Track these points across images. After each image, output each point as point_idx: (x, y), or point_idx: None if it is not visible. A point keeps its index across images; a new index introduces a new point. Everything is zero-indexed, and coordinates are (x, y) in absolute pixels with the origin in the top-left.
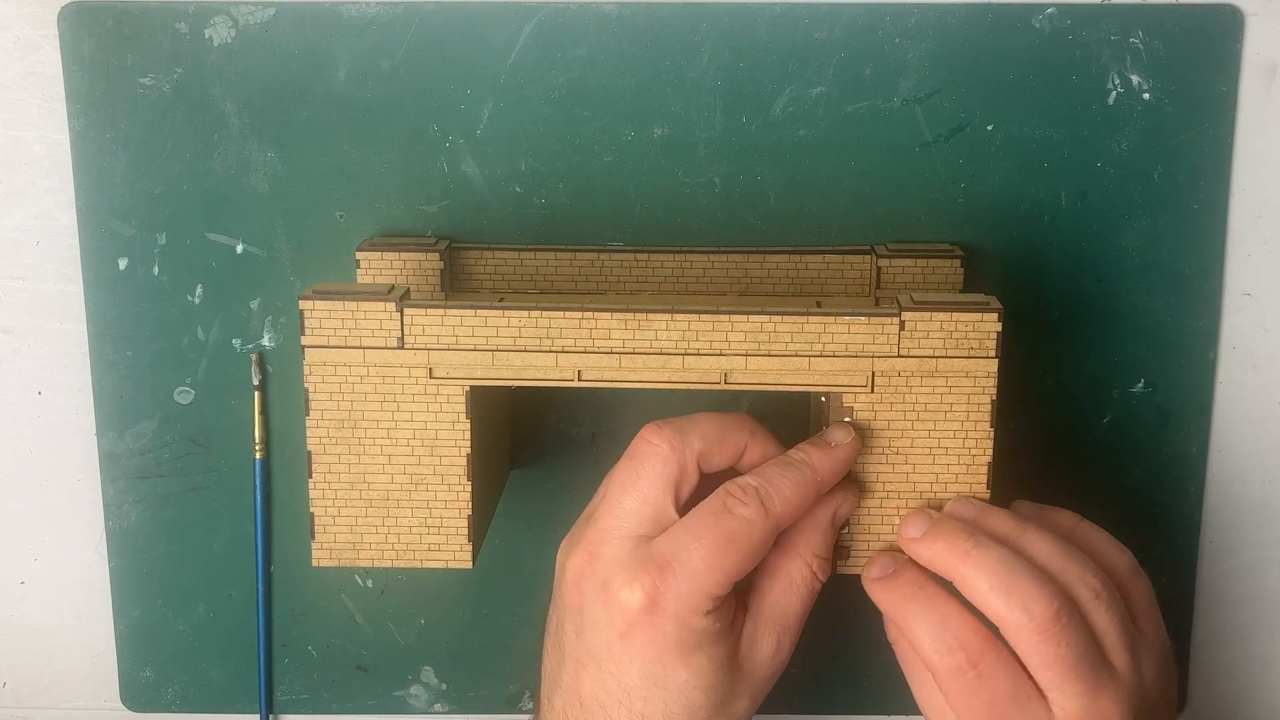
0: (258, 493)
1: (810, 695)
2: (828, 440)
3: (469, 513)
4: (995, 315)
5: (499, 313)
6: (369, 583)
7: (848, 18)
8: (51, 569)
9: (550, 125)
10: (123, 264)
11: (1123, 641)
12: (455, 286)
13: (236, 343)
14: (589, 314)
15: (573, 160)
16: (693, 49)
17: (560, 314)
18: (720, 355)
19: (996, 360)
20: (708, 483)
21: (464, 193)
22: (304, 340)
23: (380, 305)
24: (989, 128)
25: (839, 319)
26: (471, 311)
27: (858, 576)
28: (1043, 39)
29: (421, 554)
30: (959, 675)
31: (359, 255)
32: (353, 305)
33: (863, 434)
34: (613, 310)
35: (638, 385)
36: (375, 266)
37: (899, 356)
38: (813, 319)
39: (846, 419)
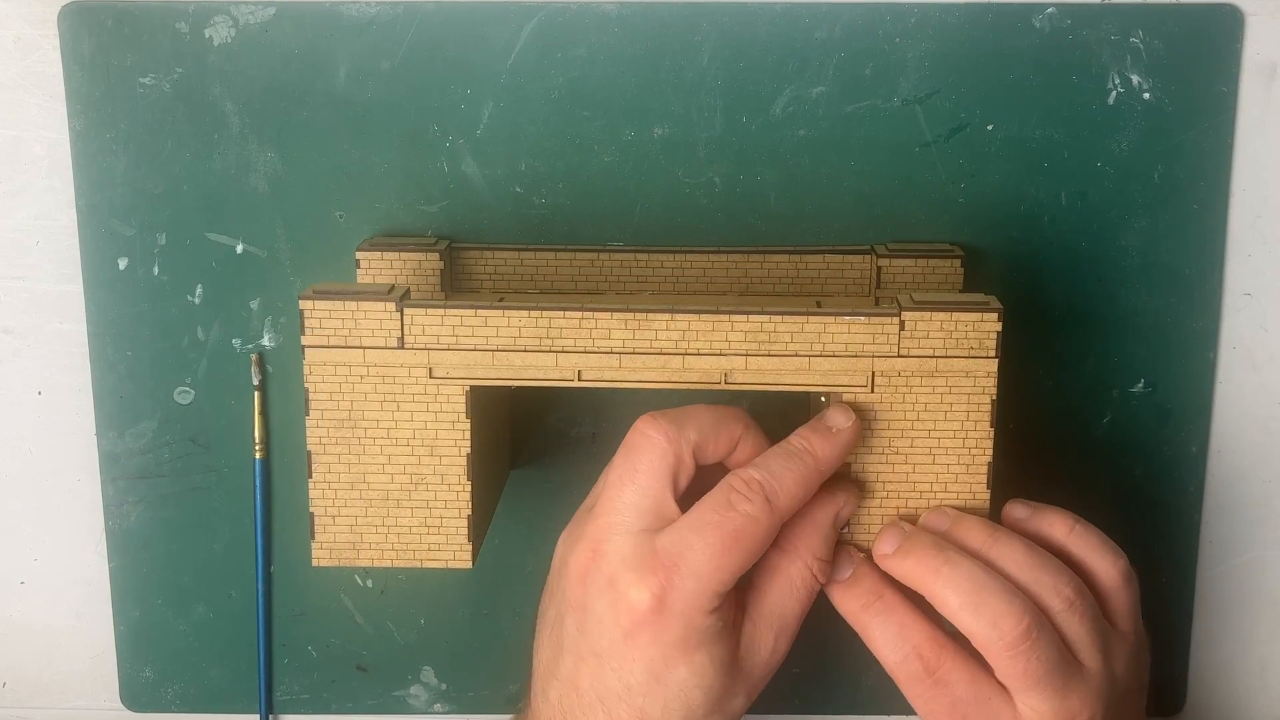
0: (258, 493)
1: (810, 695)
2: (828, 425)
3: (469, 513)
4: (995, 315)
5: (499, 313)
6: (369, 583)
7: (848, 18)
8: (51, 569)
9: (550, 125)
10: (123, 264)
11: (1095, 644)
12: (455, 286)
13: (236, 343)
14: (589, 314)
15: (573, 160)
16: (693, 49)
17: (560, 314)
18: (720, 355)
19: (996, 360)
20: (702, 474)
21: (464, 193)
22: (304, 340)
23: (380, 305)
24: (989, 128)
25: (839, 319)
26: (471, 311)
27: None
28: (1043, 39)
29: (421, 554)
30: (918, 682)
31: (359, 255)
32: (353, 305)
33: (863, 431)
34: (613, 310)
35: (638, 385)
36: (375, 266)
37: (899, 356)
38: (813, 319)
39: (838, 420)
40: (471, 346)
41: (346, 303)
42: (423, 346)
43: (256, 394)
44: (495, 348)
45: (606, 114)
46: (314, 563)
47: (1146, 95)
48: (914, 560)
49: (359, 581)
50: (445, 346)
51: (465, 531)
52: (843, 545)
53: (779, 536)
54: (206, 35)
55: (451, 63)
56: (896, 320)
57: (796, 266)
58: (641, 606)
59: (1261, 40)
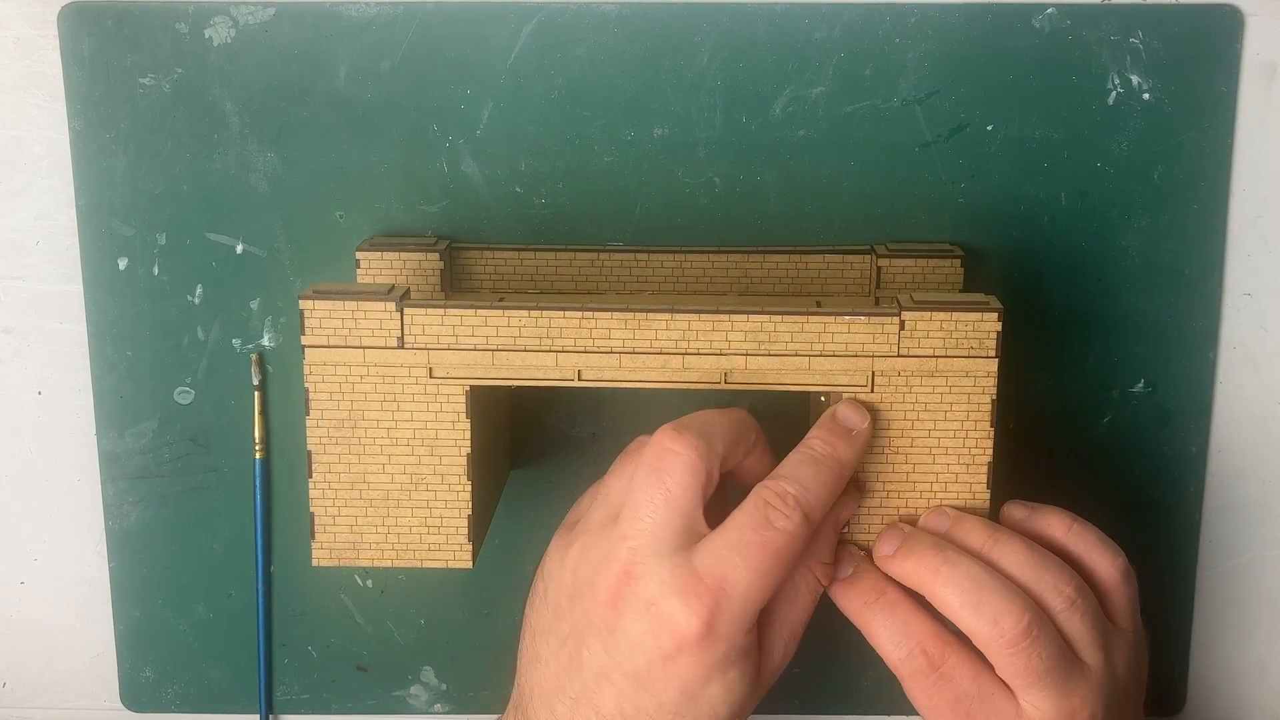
0: (258, 493)
1: (810, 695)
2: (845, 425)
3: (469, 513)
4: (995, 315)
5: (499, 312)
6: (369, 583)
7: (848, 18)
8: (51, 569)
9: (550, 125)
10: (123, 264)
11: (1096, 642)
12: (455, 286)
13: (236, 343)
14: (589, 314)
15: (573, 160)
16: (693, 49)
17: (560, 314)
18: (720, 355)
19: (996, 360)
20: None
21: (464, 193)
22: (304, 340)
23: (380, 305)
24: (989, 128)
25: (839, 319)
26: (471, 311)
27: None
28: (1043, 39)
29: (421, 554)
30: (922, 678)
31: (359, 255)
32: (353, 305)
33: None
34: (613, 310)
35: (638, 385)
36: (375, 266)
37: (899, 356)
38: (813, 319)
39: (854, 420)
40: (471, 346)
41: (346, 303)
42: (423, 346)
43: (256, 394)
44: (495, 348)
45: (606, 114)
46: (314, 563)
47: (1146, 95)
48: (914, 561)
49: (359, 581)
50: (445, 346)
51: (465, 531)
52: (844, 545)
53: None
54: (206, 35)
55: (451, 63)
56: (896, 320)
57: (796, 266)
58: (689, 631)
59: (1261, 40)
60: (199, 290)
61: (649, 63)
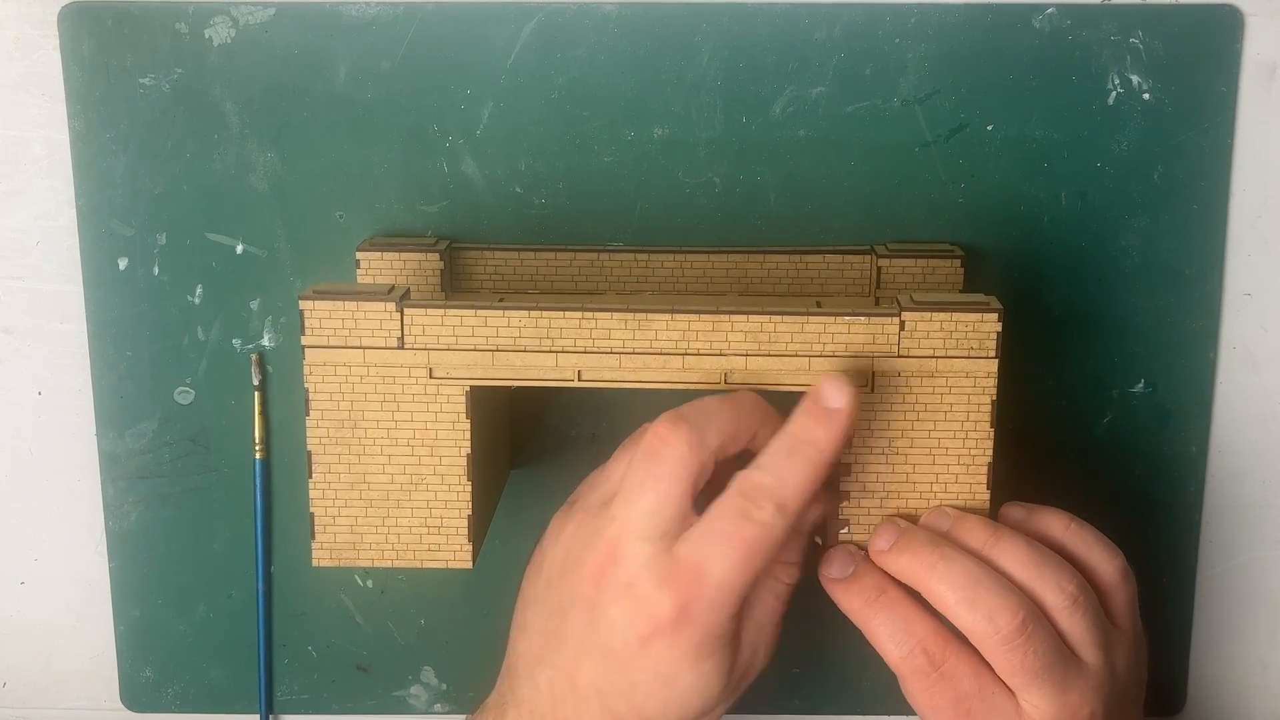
0: (258, 493)
1: (810, 695)
2: (825, 405)
3: (469, 513)
4: (995, 315)
5: (499, 313)
6: (369, 583)
7: (848, 18)
8: (51, 569)
9: (550, 125)
10: (123, 264)
11: (1096, 641)
12: (455, 286)
13: (236, 343)
14: (589, 314)
15: (573, 160)
16: (693, 49)
17: (560, 314)
18: (720, 355)
19: (996, 360)
20: (721, 468)
21: (464, 193)
22: (304, 340)
23: (380, 305)
24: (989, 128)
25: (839, 319)
26: (471, 311)
27: None
28: (1043, 39)
29: (421, 554)
30: (923, 677)
31: (359, 255)
32: (353, 305)
33: (860, 407)
34: (613, 310)
35: (638, 385)
36: (375, 266)
37: (899, 356)
38: (813, 319)
39: (835, 400)
40: (471, 346)
41: (346, 303)
42: (423, 346)
43: (256, 394)
44: (495, 348)
45: (606, 114)
46: (314, 563)
47: (1146, 95)
48: (910, 555)
49: (359, 581)
50: (445, 346)
51: (465, 531)
52: (843, 544)
53: None
54: (206, 35)
55: (451, 63)
56: (896, 320)
57: (796, 266)
58: (662, 616)
59: (1261, 40)
60: (199, 290)
61: (649, 63)
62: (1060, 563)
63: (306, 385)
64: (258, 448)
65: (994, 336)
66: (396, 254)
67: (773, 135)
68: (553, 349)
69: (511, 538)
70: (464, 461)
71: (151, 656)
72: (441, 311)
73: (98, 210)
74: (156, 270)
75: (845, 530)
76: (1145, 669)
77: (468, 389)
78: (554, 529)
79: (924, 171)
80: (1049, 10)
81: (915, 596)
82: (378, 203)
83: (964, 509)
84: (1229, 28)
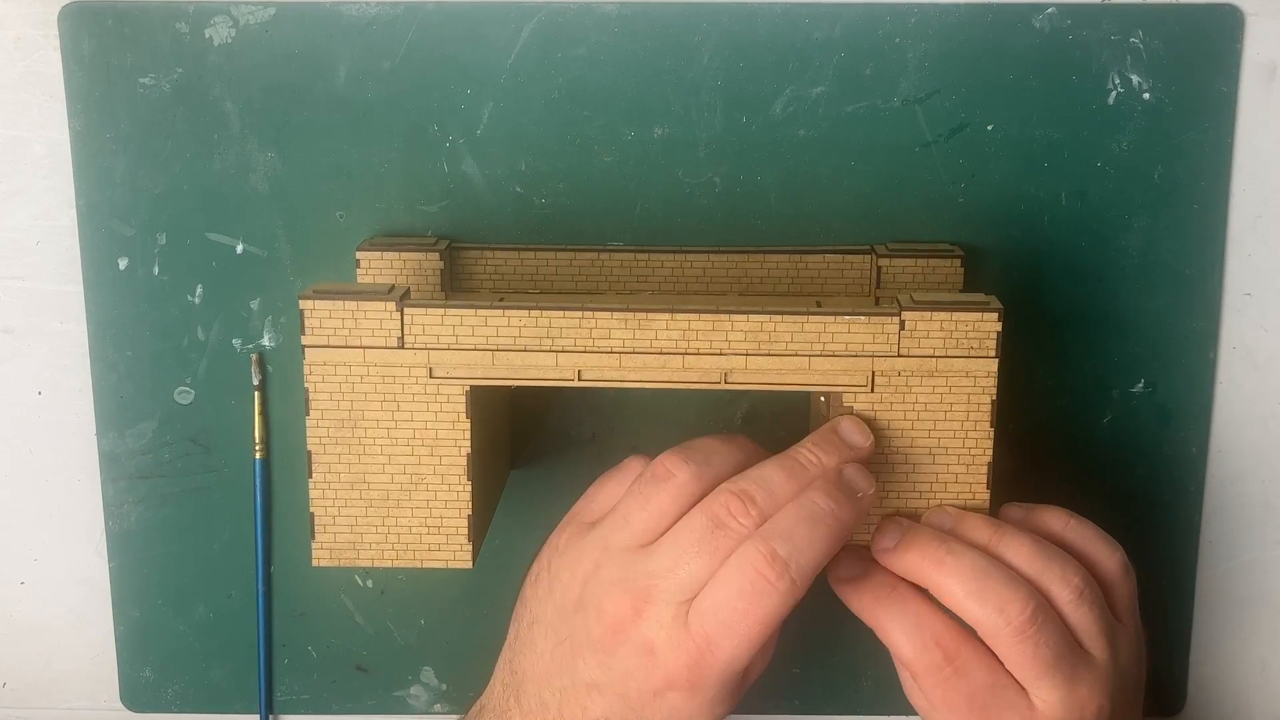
0: (258, 493)
1: (810, 695)
2: (854, 487)
3: (469, 513)
4: (995, 315)
5: (499, 313)
6: (369, 583)
7: (848, 18)
8: (51, 569)
9: (550, 125)
10: (123, 264)
11: (1103, 634)
12: (455, 286)
13: (236, 343)
14: (589, 314)
15: (573, 160)
16: (693, 49)
17: (560, 314)
18: (720, 355)
19: (996, 360)
20: None
21: (464, 193)
22: (304, 340)
23: (380, 305)
24: (989, 128)
25: (839, 319)
26: (471, 311)
27: None
28: (1043, 39)
29: (421, 554)
30: (937, 672)
31: (359, 255)
32: (353, 305)
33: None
34: (613, 310)
35: (638, 385)
36: (375, 266)
37: (899, 356)
38: (813, 319)
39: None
40: (471, 346)
41: (346, 303)
42: (423, 346)
43: (256, 394)
44: (495, 348)
45: (606, 114)
46: (314, 563)
47: (1146, 95)
48: (917, 552)
49: (359, 581)
50: (445, 346)
51: (465, 531)
52: (849, 546)
53: None
54: (206, 35)
55: (451, 63)
56: (896, 320)
57: (796, 266)
58: (677, 677)
59: (1261, 40)
60: (199, 290)
61: (649, 63)
62: (1065, 556)
63: (306, 385)
64: (258, 448)
65: (994, 336)
66: (396, 254)
67: (773, 135)
68: (553, 349)
69: (511, 538)
70: (464, 461)
71: (151, 656)
72: (441, 311)
73: (98, 210)
74: (156, 270)
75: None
76: (1145, 666)
77: (468, 389)
78: (564, 550)
79: (924, 171)
80: (1049, 10)
81: (924, 594)
82: (378, 203)
83: (964, 509)
84: (1229, 28)
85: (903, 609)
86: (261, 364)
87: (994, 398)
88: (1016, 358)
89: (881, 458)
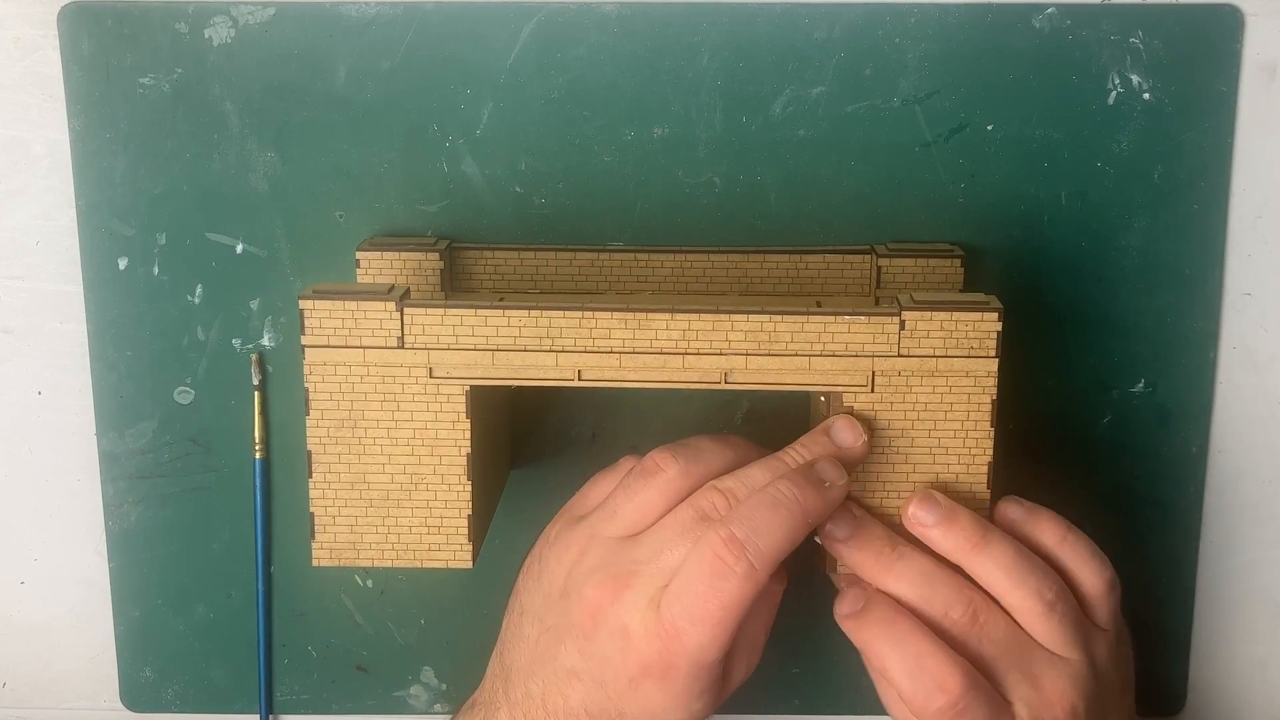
0: (258, 493)
1: (810, 695)
2: (822, 477)
3: (469, 513)
4: (995, 315)
5: (499, 312)
6: (369, 583)
7: (848, 18)
8: (51, 569)
9: (550, 125)
10: (123, 264)
11: (1075, 641)
12: (455, 286)
13: (236, 343)
14: (589, 314)
15: (573, 160)
16: (693, 49)
17: (560, 314)
18: (720, 355)
19: (996, 360)
20: None
21: (464, 193)
22: (304, 340)
23: (380, 305)
24: (989, 128)
25: (839, 319)
26: (471, 311)
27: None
28: (1043, 39)
29: (421, 554)
30: (940, 715)
31: (359, 255)
32: (353, 305)
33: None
34: (613, 310)
35: (638, 385)
36: (375, 266)
37: (899, 356)
38: (813, 319)
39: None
40: (471, 346)
41: (346, 303)
42: (423, 346)
43: (256, 394)
44: (495, 347)
45: (606, 114)
46: (314, 563)
47: (1146, 95)
48: (868, 553)
49: (359, 581)
50: (445, 346)
51: (465, 531)
52: (850, 580)
53: None
54: (206, 35)
55: (451, 63)
56: (896, 320)
57: (796, 266)
58: (651, 663)
59: (1261, 40)
60: (199, 290)
61: (649, 63)
62: (1043, 571)
63: (306, 385)
64: (258, 448)
65: (994, 336)
66: (396, 254)
67: (773, 135)
68: (553, 349)
69: (511, 538)
70: (464, 461)
71: (151, 656)
72: (441, 311)
73: (98, 210)
74: (156, 270)
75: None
76: (1130, 667)
77: (468, 389)
78: (554, 540)
79: (924, 171)
80: (1049, 10)
81: (925, 629)
82: (378, 203)
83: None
84: (1229, 28)
85: (905, 647)
86: (261, 364)
87: (994, 398)
88: (1016, 358)
89: (882, 458)
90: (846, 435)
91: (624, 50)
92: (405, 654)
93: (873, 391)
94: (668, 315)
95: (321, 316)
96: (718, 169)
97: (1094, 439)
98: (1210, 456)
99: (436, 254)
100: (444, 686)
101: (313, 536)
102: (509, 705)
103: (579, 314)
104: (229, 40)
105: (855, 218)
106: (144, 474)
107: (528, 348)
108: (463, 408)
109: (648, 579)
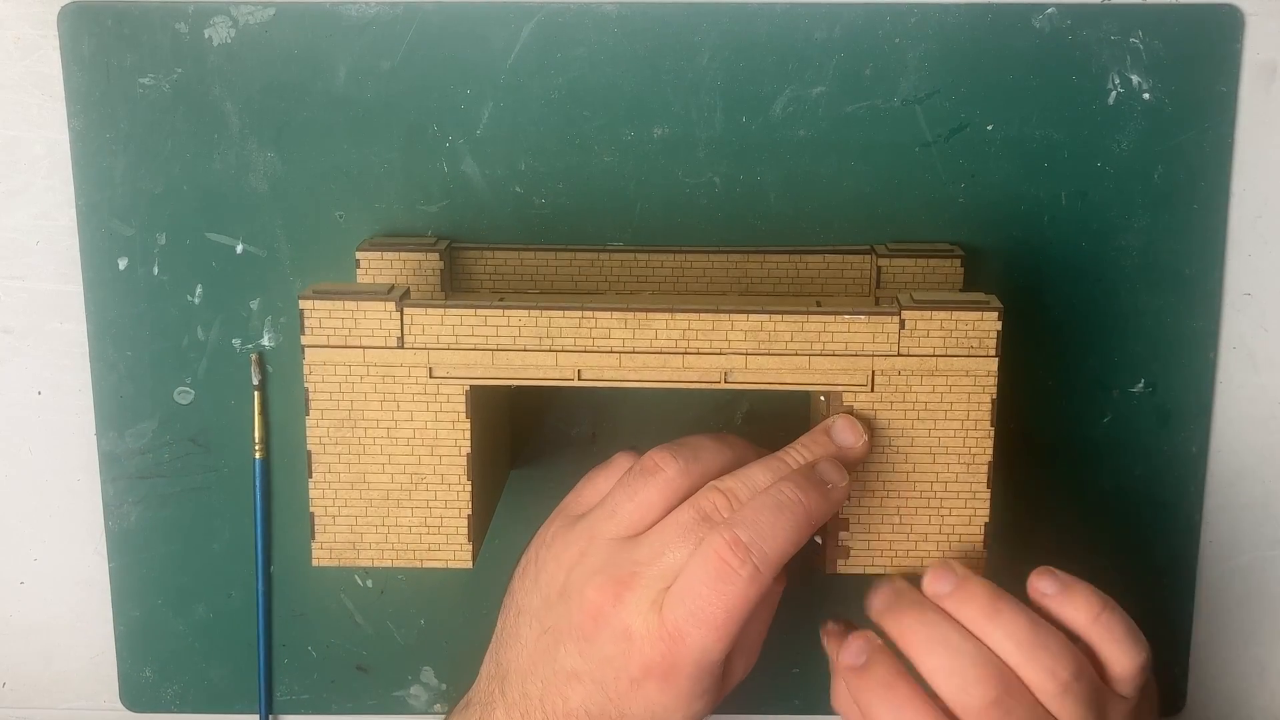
0: (258, 493)
1: (810, 695)
2: (825, 479)
3: (469, 513)
4: (995, 315)
5: (499, 312)
6: (369, 583)
7: (848, 18)
8: (51, 569)
9: (550, 125)
10: (123, 264)
11: (1091, 716)
12: (455, 286)
13: (236, 343)
14: (589, 314)
15: (573, 160)
16: (693, 49)
17: (560, 314)
18: (720, 354)
19: (996, 360)
20: None
21: (464, 193)
22: (304, 340)
23: (380, 305)
24: (989, 128)
25: (839, 318)
26: (471, 311)
27: (858, 578)
28: (1043, 39)
29: (421, 554)
30: None
31: (359, 255)
32: (353, 305)
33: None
34: (613, 310)
35: (638, 384)
36: (375, 266)
37: (899, 355)
38: (813, 318)
39: (848, 438)
40: (471, 346)
41: (346, 303)
42: (423, 346)
43: (256, 394)
44: (495, 347)
45: (606, 114)
46: (314, 563)
47: (1146, 95)
48: (900, 621)
49: (359, 581)
50: (445, 346)
51: (465, 531)
52: (859, 631)
53: None
54: (206, 35)
55: (451, 63)
56: (896, 319)
57: (796, 266)
58: (653, 665)
59: (1261, 40)
60: (199, 290)
61: (649, 63)
62: (1060, 645)
63: (306, 385)
64: (257, 448)
65: (994, 335)
66: (396, 254)
67: (773, 135)
68: (552, 348)
69: (511, 538)
70: (464, 461)
71: (151, 656)
72: (441, 311)
73: (98, 210)
74: (156, 270)
75: (845, 533)
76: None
77: (468, 389)
78: (552, 540)
79: (924, 171)
80: (1049, 10)
81: (924, 695)
82: (378, 203)
83: (965, 520)
84: (1229, 28)
85: (898, 715)
86: (261, 364)
87: (994, 397)
88: (1016, 358)
89: (881, 457)
90: (847, 435)
91: (624, 50)
92: (405, 654)
93: (873, 391)
94: (667, 315)
95: (321, 316)
96: (718, 169)
97: (1094, 439)
98: (1210, 456)
99: (436, 254)
100: (444, 686)
101: (313, 536)
102: (506, 706)
103: (579, 314)
104: (229, 40)
105: (855, 218)
106: (144, 474)
107: (527, 348)
108: (463, 408)
109: (650, 581)
